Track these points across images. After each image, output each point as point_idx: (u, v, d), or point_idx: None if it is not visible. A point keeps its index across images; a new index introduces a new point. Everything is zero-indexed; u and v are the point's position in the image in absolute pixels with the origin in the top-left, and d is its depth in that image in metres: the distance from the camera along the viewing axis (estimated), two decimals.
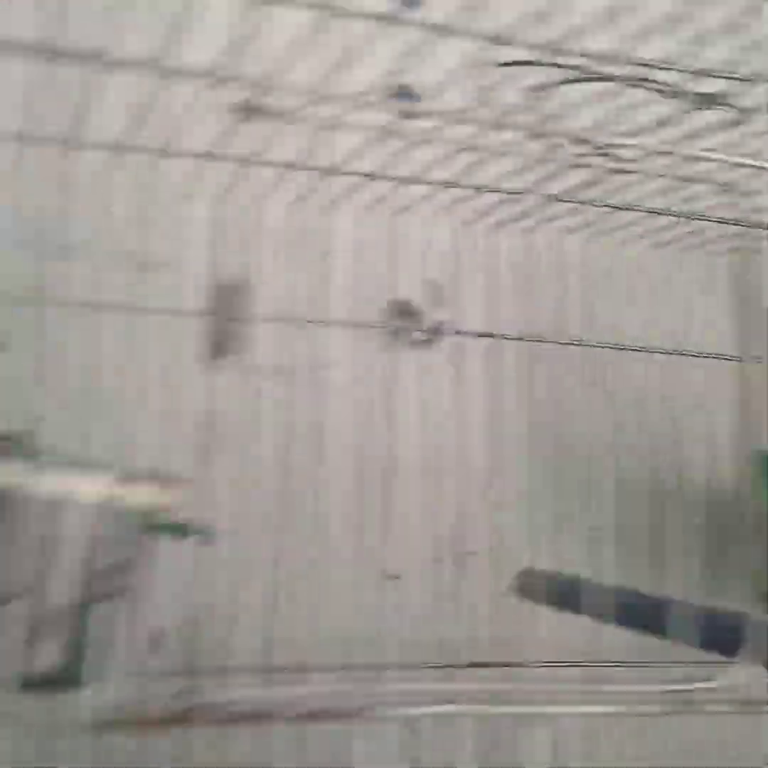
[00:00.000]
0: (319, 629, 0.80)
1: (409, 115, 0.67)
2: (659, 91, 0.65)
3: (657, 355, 0.98)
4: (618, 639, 0.80)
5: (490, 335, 0.91)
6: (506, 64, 0.61)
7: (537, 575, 0.70)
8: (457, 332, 0.91)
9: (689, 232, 0.91)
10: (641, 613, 0.48)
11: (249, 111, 0.49)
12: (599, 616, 0.54)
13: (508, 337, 0.92)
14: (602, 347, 0.95)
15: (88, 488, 0.48)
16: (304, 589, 0.85)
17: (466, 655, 0.82)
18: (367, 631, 0.82)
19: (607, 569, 0.86)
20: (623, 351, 0.97)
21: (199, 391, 0.82)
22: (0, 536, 0.46)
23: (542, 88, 0.68)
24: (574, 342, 0.91)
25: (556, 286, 0.94)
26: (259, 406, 0.83)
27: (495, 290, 0.92)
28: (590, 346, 0.95)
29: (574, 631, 0.77)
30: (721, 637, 0.52)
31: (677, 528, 0.92)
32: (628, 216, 0.88)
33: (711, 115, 0.67)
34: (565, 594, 0.59)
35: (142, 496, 0.50)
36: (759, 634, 0.50)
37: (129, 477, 0.49)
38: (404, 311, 0.91)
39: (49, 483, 0.46)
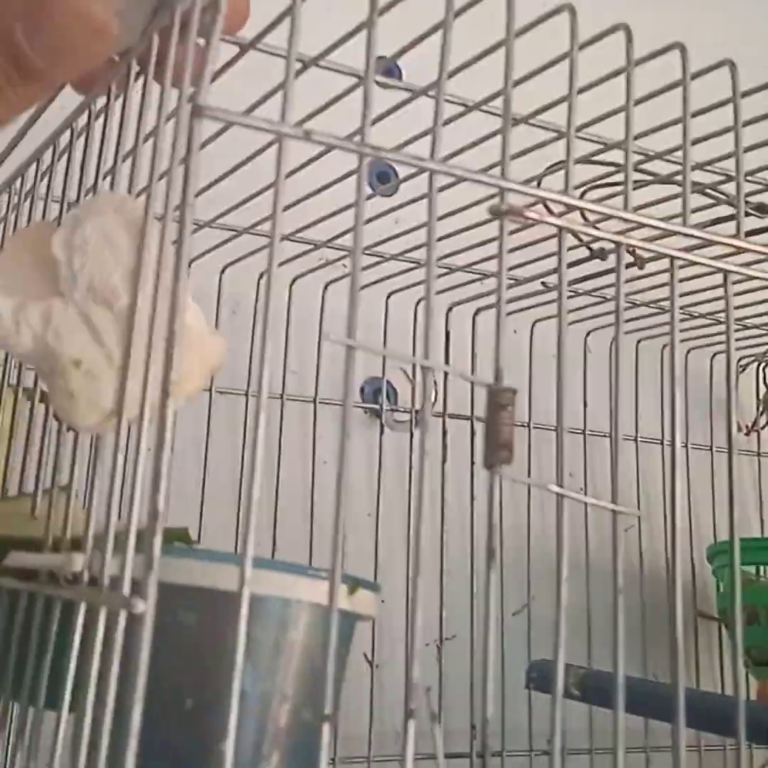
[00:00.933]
0: None
1: None
2: (715, 198, 0.66)
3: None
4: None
5: (476, 419, 0.90)
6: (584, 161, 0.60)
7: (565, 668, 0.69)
8: (440, 414, 0.90)
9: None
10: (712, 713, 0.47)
11: None
12: (651, 712, 0.53)
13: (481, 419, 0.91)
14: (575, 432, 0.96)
15: (310, 590, 0.44)
16: None
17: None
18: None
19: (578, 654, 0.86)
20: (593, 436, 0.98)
21: None
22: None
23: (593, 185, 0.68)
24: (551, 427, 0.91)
25: (535, 372, 0.94)
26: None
27: (473, 372, 0.91)
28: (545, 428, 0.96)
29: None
30: None
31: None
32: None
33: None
34: (602, 689, 0.57)
35: (363, 602, 0.46)
36: None
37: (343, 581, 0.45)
38: (384, 391, 0.90)
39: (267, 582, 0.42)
